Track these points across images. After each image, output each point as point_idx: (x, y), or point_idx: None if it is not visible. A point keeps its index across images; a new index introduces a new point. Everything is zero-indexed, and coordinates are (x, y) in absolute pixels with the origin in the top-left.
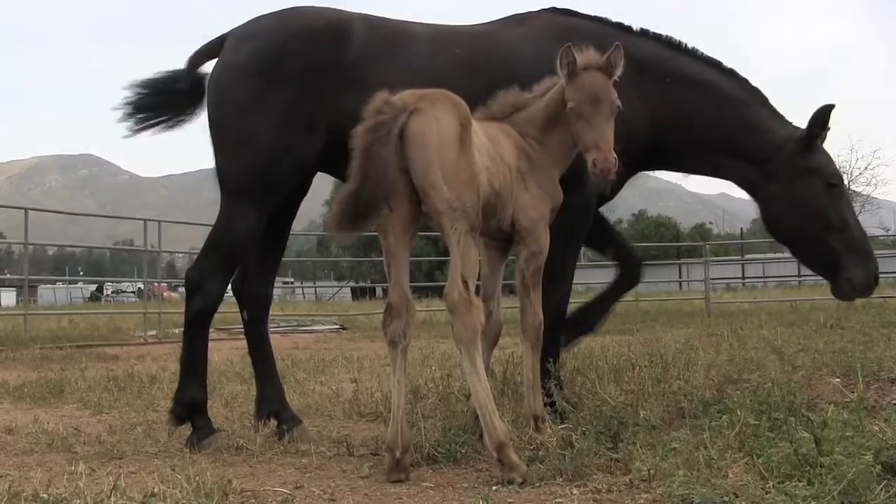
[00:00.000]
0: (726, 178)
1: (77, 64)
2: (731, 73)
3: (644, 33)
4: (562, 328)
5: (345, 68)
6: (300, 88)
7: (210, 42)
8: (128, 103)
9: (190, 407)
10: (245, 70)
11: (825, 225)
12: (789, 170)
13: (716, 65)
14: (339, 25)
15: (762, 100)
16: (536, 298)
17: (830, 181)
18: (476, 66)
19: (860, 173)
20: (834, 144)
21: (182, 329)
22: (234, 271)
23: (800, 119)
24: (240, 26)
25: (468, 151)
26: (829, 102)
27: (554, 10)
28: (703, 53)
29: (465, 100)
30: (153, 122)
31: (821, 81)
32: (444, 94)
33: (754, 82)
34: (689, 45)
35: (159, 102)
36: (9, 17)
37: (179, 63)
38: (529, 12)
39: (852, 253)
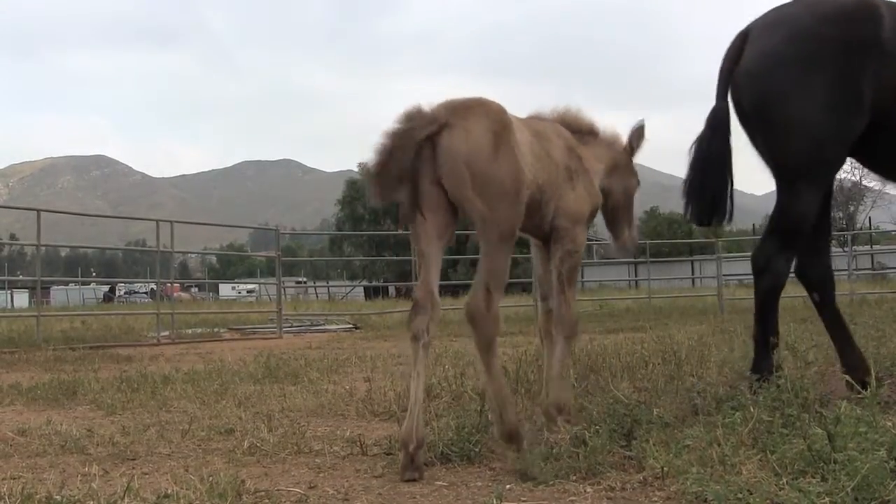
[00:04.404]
0: None
1: (89, 65)
2: None
3: None
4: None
5: (881, 46)
6: (840, 70)
7: (733, 43)
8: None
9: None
10: (781, 57)
11: None
12: None
13: None
14: (869, 6)
15: None
16: (571, 294)
17: None
18: None
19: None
20: None
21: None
22: (797, 250)
23: None
24: (763, 17)
25: (504, 160)
26: None
27: None
28: None
29: None
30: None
31: None
32: (479, 102)
33: None
34: None
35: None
36: (21, 17)
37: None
38: None
39: None
